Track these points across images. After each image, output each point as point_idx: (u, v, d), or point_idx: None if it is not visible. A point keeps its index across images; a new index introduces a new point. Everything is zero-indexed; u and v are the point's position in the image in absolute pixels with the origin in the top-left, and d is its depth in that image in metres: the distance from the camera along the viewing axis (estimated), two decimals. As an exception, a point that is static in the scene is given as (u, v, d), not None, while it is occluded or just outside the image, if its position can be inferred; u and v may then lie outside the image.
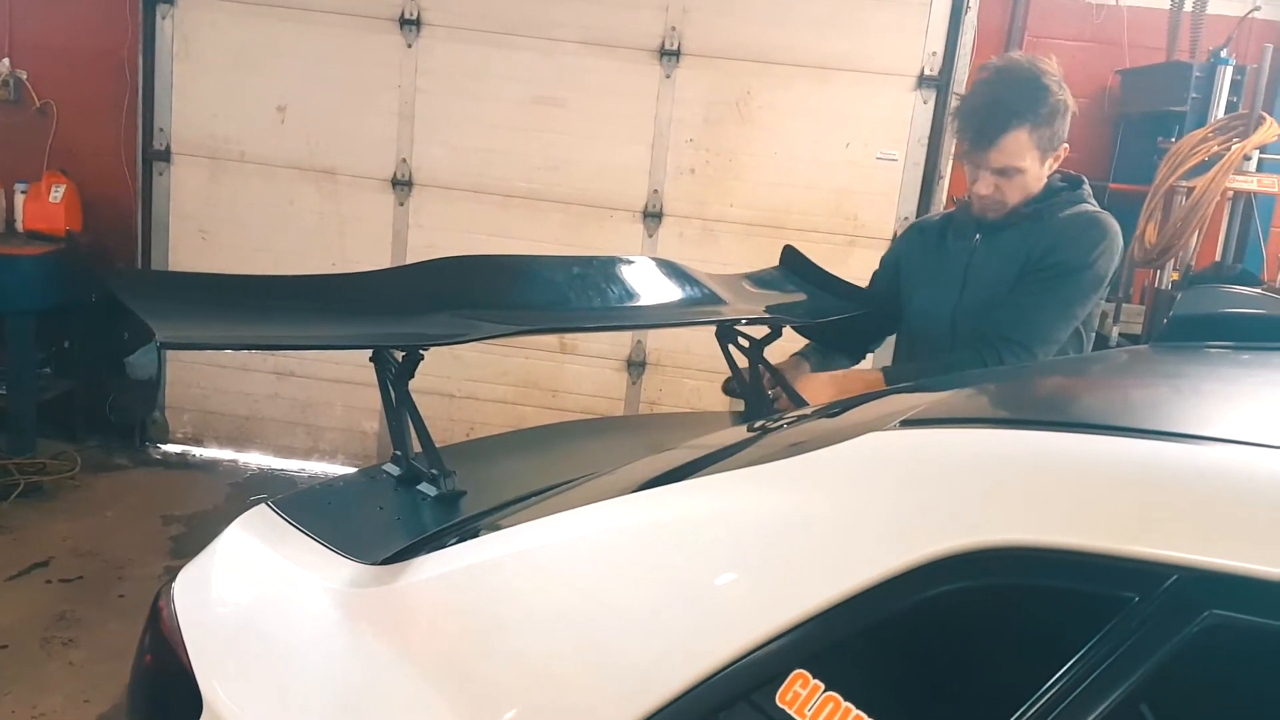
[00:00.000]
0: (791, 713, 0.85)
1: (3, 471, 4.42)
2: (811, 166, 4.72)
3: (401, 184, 4.93)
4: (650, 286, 2.13)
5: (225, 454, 5.19)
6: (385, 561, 1.35)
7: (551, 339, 4.92)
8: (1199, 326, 1.53)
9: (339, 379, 5.07)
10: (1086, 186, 2.36)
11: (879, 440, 1.01)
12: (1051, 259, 2.22)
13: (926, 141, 4.69)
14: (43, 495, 4.42)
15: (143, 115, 4.89)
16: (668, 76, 4.73)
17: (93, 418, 5.06)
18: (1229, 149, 3.44)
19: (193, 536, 4.24)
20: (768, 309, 2.36)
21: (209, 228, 5.00)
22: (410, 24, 4.78)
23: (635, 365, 4.99)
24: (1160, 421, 1.03)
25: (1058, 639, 0.80)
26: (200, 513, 4.51)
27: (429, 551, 1.34)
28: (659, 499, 1.12)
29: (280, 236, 4.92)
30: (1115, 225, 2.28)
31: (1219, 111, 3.73)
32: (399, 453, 1.75)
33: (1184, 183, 3.56)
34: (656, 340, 4.94)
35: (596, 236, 4.78)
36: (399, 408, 1.74)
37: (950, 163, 4.66)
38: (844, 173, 4.72)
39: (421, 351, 1.70)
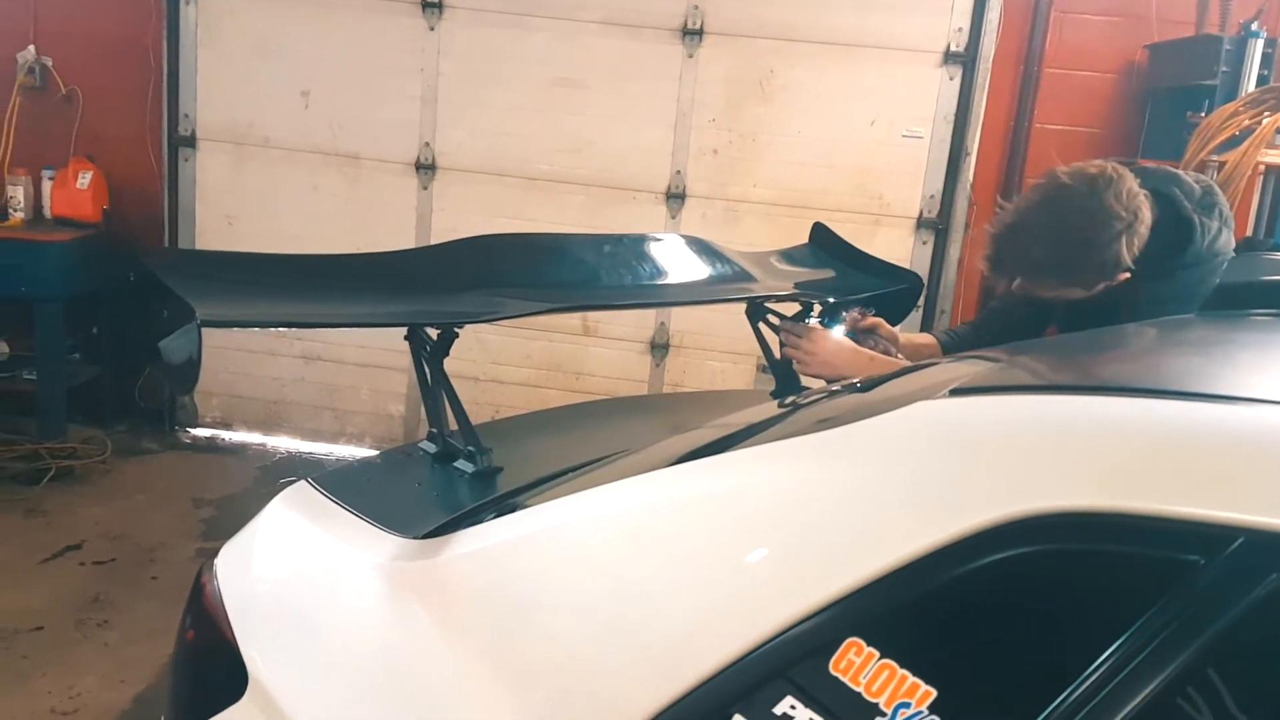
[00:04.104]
0: (845, 680, 0.85)
1: (34, 456, 4.47)
2: (835, 145, 4.69)
3: (425, 168, 4.93)
4: (680, 264, 2.13)
5: (253, 438, 5.23)
6: (427, 536, 1.35)
7: (575, 321, 4.92)
8: (1244, 295, 1.51)
9: (365, 363, 5.10)
10: (1198, 244, 2.02)
11: (930, 408, 1.00)
12: None
13: (953, 119, 4.64)
14: (74, 479, 4.47)
15: (167, 102, 4.91)
16: (690, 56, 4.71)
17: (122, 403, 5.11)
18: (1260, 123, 3.39)
19: (223, 519, 4.28)
20: (797, 285, 2.36)
21: (234, 213, 5.02)
22: (432, 7, 4.77)
23: (659, 347, 4.98)
24: (1217, 386, 1.02)
25: (1120, 604, 0.79)
26: (230, 496, 4.55)
27: (470, 526, 1.34)
28: (705, 471, 1.12)
29: (305, 221, 4.93)
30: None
31: (1249, 85, 3.68)
32: (435, 430, 1.75)
33: (1215, 157, 3.51)
34: (679, 322, 4.93)
35: (619, 218, 4.76)
36: (435, 386, 1.74)
37: (977, 140, 4.62)
38: (868, 151, 4.69)
39: (456, 330, 1.71)
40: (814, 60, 4.65)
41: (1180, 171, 2.21)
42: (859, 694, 0.84)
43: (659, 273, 2.05)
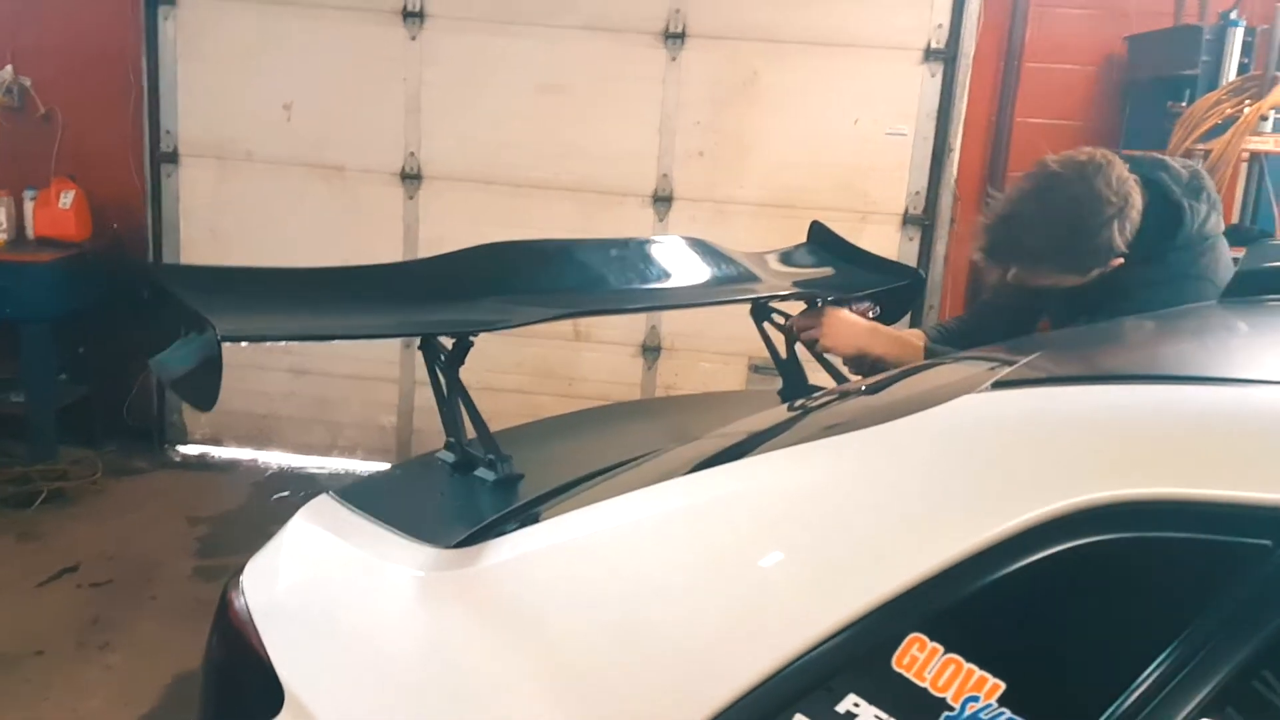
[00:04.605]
0: (910, 676, 0.85)
1: (25, 479, 4.43)
2: (821, 144, 4.72)
3: (411, 177, 4.92)
4: (686, 266, 2.14)
5: (244, 453, 5.20)
6: (460, 545, 1.35)
7: (566, 326, 4.92)
8: (1261, 281, 1.53)
9: (356, 375, 5.07)
10: (1188, 228, 2.06)
11: (977, 402, 1.01)
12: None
13: (935, 115, 4.68)
14: (66, 501, 4.43)
15: (149, 118, 4.87)
16: (673, 59, 4.72)
17: (111, 422, 5.07)
18: (1243, 111, 3.43)
19: (219, 536, 4.26)
20: (799, 284, 2.37)
21: (219, 228, 4.99)
22: (414, 16, 4.76)
23: (650, 350, 4.99)
24: (1262, 371, 1.03)
25: (1188, 591, 0.80)
26: (224, 513, 4.52)
27: (502, 534, 1.34)
28: (745, 472, 1.12)
29: (291, 234, 4.90)
30: (1212, 282, 2.02)
31: (1231, 74, 3.73)
32: (453, 440, 1.75)
33: (1200, 146, 3.55)
34: (670, 325, 4.94)
35: (608, 222, 4.76)
36: (451, 395, 1.74)
37: (960, 136, 4.66)
38: (854, 149, 4.71)
39: (470, 339, 1.71)
40: (797, 60, 4.67)
41: (1167, 158, 2.24)
42: (924, 689, 0.84)
43: (666, 275, 2.06)
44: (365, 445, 5.24)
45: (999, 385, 1.03)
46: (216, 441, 5.22)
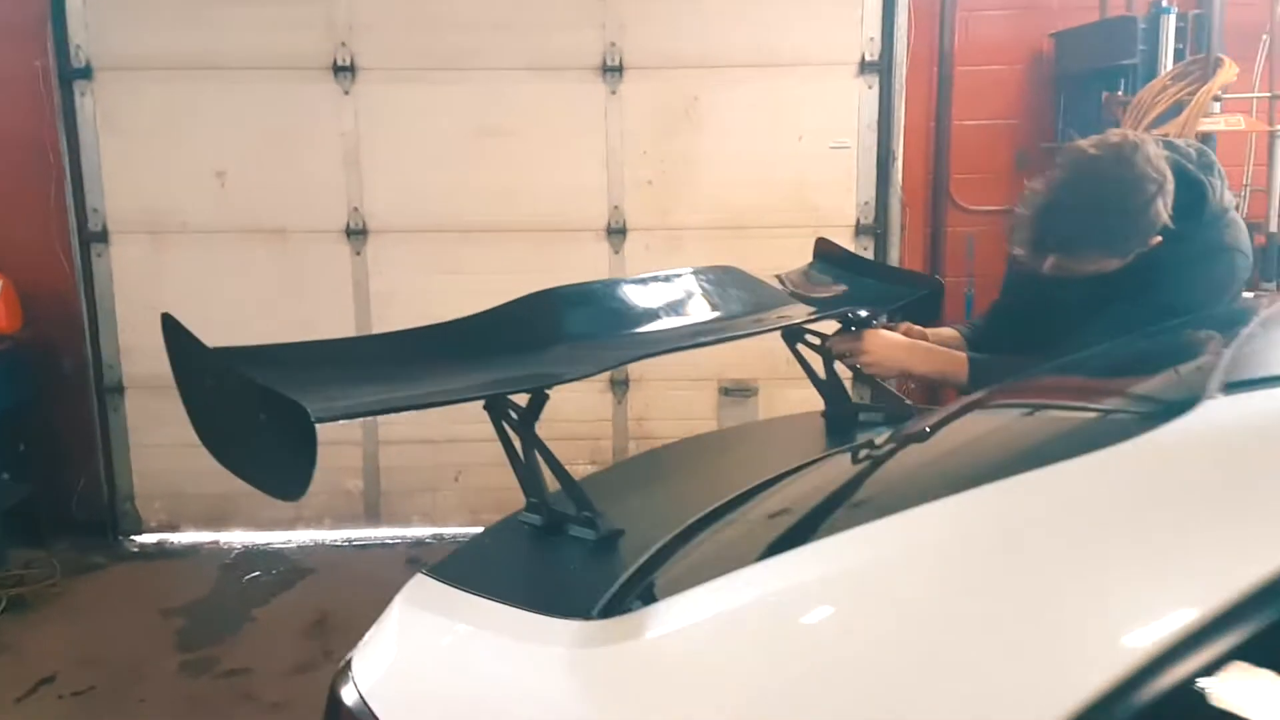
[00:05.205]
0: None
1: (-21, 589, 4.17)
2: (767, 163, 4.74)
3: (356, 233, 4.80)
4: (724, 296, 2.10)
5: (204, 536, 4.97)
6: (604, 614, 1.28)
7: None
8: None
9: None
10: (1213, 203, 2.10)
11: (1220, 408, 0.97)
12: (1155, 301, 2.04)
13: (876, 126, 4.75)
14: (27, 607, 4.17)
15: (73, 197, 4.66)
16: (613, 92, 4.71)
17: (59, 519, 4.81)
18: (1190, 94, 3.55)
19: (198, 627, 4.05)
20: (821, 303, 2.35)
21: (159, 305, 4.67)
22: (344, 70, 4.66)
23: (619, 384, 4.94)
24: None
25: None
26: (197, 601, 4.31)
27: (649, 598, 1.27)
28: (974, 507, 1.03)
29: (235, 304, 4.72)
30: (1241, 252, 2.10)
31: (1169, 61, 3.86)
32: (535, 500, 1.67)
33: (1154, 132, 3.66)
34: (635, 356, 4.89)
35: (563, 260, 4.71)
36: (529, 453, 1.67)
37: (902, 144, 4.73)
38: (800, 166, 4.75)
39: (546, 392, 1.64)
40: (735, 83, 4.70)
41: (1172, 137, 2.28)
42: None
43: (709, 306, 2.02)
44: (332, 513, 5.06)
45: (1232, 388, 0.99)
46: (173, 527, 4.99)
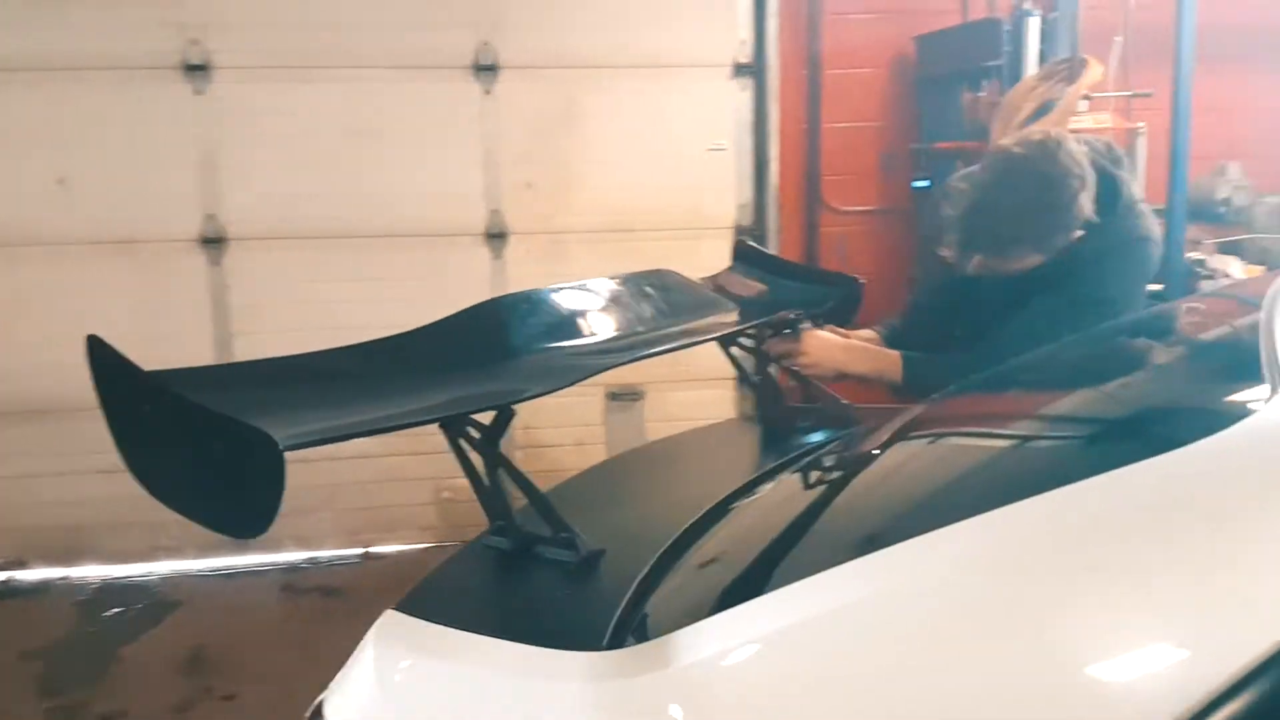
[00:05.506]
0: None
1: None
2: (647, 166, 4.71)
3: (212, 242, 4.51)
4: (669, 301, 2.04)
5: (54, 572, 4.58)
6: (614, 644, 1.20)
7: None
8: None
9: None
10: (1125, 195, 2.18)
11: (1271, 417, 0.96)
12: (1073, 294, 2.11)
13: (751, 128, 4.78)
14: None
15: (-110, 208, 4.22)
16: (488, 92, 4.58)
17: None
18: (1057, 95, 3.70)
19: (61, 669, 3.73)
20: (749, 307, 2.32)
21: (-7, 323, 4.39)
22: (197, 69, 4.38)
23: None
24: None
25: None
26: (56, 641, 3.96)
27: (661, 624, 1.20)
28: (1026, 517, 1.00)
29: (78, 321, 4.27)
30: (1154, 241, 2.19)
31: (1032, 62, 4.01)
32: (502, 523, 1.57)
33: (1027, 128, 3.79)
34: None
35: (441, 266, 4.55)
36: (493, 474, 1.57)
37: (776, 146, 4.77)
38: (680, 168, 4.73)
39: (513, 408, 1.55)
40: (613, 85, 4.64)
41: (1083, 135, 2.36)
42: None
43: (659, 313, 1.96)
44: (193, 542, 4.72)
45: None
46: (20, 564, 4.57)
